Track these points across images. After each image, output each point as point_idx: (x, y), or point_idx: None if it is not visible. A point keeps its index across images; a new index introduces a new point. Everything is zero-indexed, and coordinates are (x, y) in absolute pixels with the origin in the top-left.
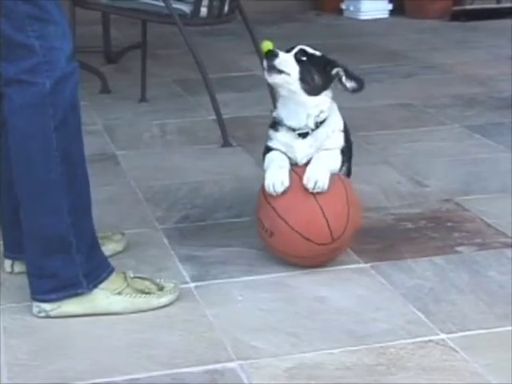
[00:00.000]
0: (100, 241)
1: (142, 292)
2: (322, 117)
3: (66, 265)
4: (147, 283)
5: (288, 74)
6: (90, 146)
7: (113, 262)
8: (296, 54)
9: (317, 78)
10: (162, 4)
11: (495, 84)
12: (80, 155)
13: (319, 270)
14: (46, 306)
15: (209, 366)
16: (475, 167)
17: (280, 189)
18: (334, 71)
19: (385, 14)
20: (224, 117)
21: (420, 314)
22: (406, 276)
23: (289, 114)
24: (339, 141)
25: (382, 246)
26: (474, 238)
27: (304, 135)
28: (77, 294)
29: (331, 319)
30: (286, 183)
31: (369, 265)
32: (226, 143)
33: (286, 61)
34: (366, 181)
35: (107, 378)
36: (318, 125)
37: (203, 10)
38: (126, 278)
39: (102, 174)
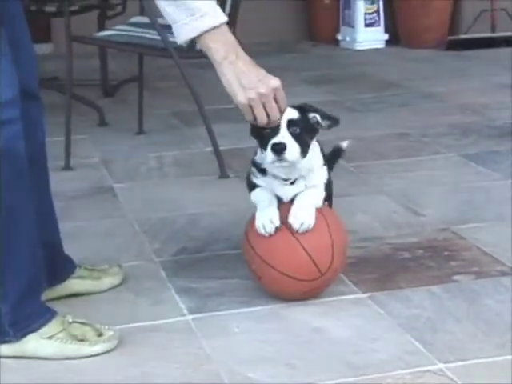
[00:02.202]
0: (97, 274)
1: (76, 338)
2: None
3: None
4: (86, 329)
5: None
6: (87, 178)
7: (110, 295)
8: (289, 128)
9: (307, 141)
10: (158, 38)
11: (490, 112)
12: (17, 203)
13: (316, 300)
14: None
15: None
16: (471, 195)
17: (272, 229)
18: (312, 118)
19: (381, 44)
20: (221, 148)
21: (417, 343)
22: (403, 306)
23: (278, 172)
24: (323, 176)
25: (379, 276)
26: (470, 267)
27: (292, 182)
28: (4, 342)
29: (328, 350)
30: (277, 223)
31: (366, 295)
32: (223, 175)
33: (292, 149)
34: (362, 210)
35: None
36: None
37: None
38: (63, 323)
39: (99, 207)
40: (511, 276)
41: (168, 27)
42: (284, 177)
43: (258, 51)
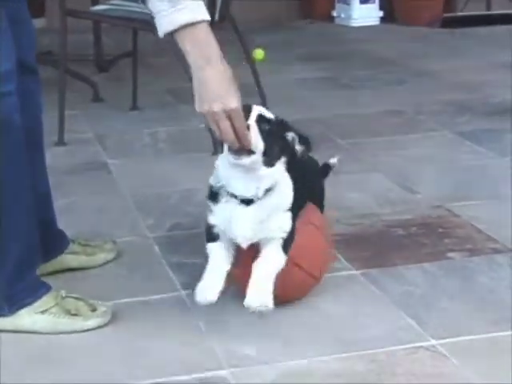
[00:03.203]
0: (91, 250)
1: (69, 313)
2: (273, 184)
3: None
4: (80, 304)
5: (256, 154)
6: (81, 154)
7: (104, 270)
8: (258, 123)
9: (277, 150)
10: None
11: (486, 90)
12: (13, 180)
13: None
14: None
15: (200, 374)
16: (466, 173)
17: (207, 301)
18: (289, 136)
19: (376, 21)
20: None
21: (411, 320)
22: (396, 282)
23: (236, 183)
24: (286, 224)
25: (372, 253)
26: (464, 244)
27: (247, 202)
28: None
29: (322, 326)
30: (215, 296)
31: (359, 272)
32: (216, 151)
33: (256, 136)
34: (356, 188)
35: None
36: (266, 192)
37: None
38: (56, 297)
39: (93, 183)
40: (505, 253)
41: None
42: (240, 190)
43: (253, 28)
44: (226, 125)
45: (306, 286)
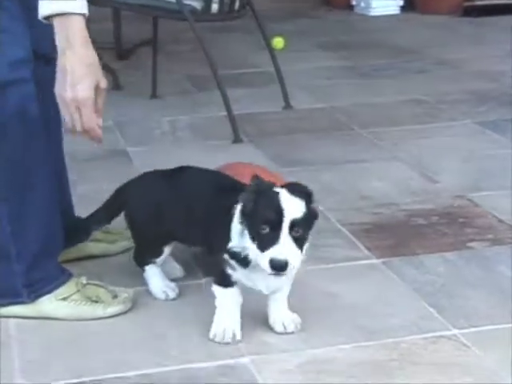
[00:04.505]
0: (112, 237)
1: (90, 300)
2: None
3: (4, 274)
4: (101, 291)
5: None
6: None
7: (125, 257)
8: (292, 233)
9: (308, 235)
10: (173, 0)
11: (507, 80)
12: (33, 164)
13: (330, 266)
14: None
15: (220, 362)
16: (487, 163)
17: (230, 340)
18: (313, 208)
19: (396, 10)
20: (235, 113)
21: (432, 309)
22: (417, 272)
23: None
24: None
25: (393, 242)
26: (485, 234)
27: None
28: (17, 303)
29: (343, 315)
30: (238, 336)
31: (380, 260)
32: (236, 139)
33: (294, 261)
34: (377, 177)
35: (119, 373)
36: None
37: (214, 6)
38: (77, 284)
39: (112, 170)
40: None
41: None
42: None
43: (273, 16)
44: (74, 115)
45: None
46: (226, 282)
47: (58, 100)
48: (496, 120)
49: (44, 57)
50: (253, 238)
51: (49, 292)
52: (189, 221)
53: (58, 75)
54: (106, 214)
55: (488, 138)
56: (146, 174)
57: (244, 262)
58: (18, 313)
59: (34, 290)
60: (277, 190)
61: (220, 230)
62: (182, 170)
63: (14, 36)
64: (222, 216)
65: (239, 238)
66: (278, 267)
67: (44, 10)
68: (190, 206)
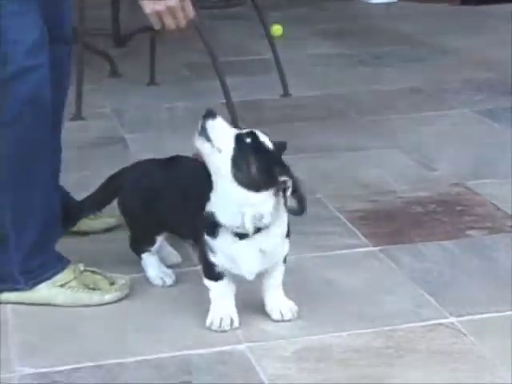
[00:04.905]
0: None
1: (88, 287)
2: (264, 222)
3: (2, 261)
4: (98, 278)
5: (217, 148)
6: (99, 129)
7: (122, 244)
8: (241, 134)
9: (254, 171)
10: None
11: (505, 69)
12: (39, 153)
13: (328, 253)
14: None
15: (218, 348)
16: (485, 151)
17: (228, 328)
18: (282, 178)
19: None
20: (234, 100)
21: (429, 297)
22: (415, 259)
23: (220, 206)
24: (285, 249)
25: (391, 230)
26: (483, 222)
27: (241, 236)
28: (14, 289)
29: (340, 302)
30: (236, 323)
31: (378, 248)
32: (235, 127)
33: (222, 130)
34: (375, 164)
35: (118, 359)
36: (259, 230)
37: None
38: (74, 271)
39: (110, 157)
40: None
41: None
42: (226, 221)
43: (272, 3)
44: (180, 15)
45: None
46: (213, 274)
47: (150, 12)
48: (495, 108)
49: (62, 38)
50: None
51: (47, 279)
52: (181, 211)
53: None
54: (97, 201)
55: (486, 127)
56: (139, 163)
57: (212, 229)
58: (16, 299)
59: (32, 277)
60: None
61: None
62: (176, 159)
63: (29, 19)
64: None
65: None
66: (206, 114)
67: None
68: (183, 197)
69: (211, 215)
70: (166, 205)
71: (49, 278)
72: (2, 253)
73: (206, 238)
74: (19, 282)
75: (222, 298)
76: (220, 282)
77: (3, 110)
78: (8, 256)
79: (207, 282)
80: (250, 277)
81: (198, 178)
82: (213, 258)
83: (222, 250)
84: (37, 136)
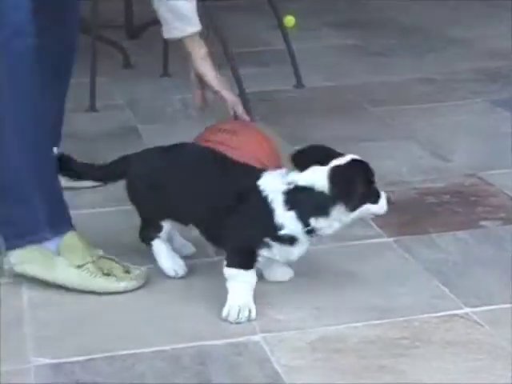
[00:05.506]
0: None
1: (102, 272)
2: None
3: (27, 215)
4: (114, 265)
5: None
6: (112, 120)
7: (134, 237)
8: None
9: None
10: None
11: None
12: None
13: (342, 244)
14: (12, 258)
15: (233, 339)
16: (499, 142)
17: (246, 319)
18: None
19: None
20: (246, 91)
21: (444, 288)
22: (429, 250)
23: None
24: None
25: (405, 221)
26: (498, 213)
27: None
28: (40, 241)
29: (354, 293)
30: (254, 315)
31: (392, 239)
32: (250, 117)
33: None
34: (388, 155)
35: (132, 350)
36: None
37: None
38: (93, 255)
39: (123, 148)
40: None
41: None
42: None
43: None
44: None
45: None
46: (249, 263)
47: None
48: (507, 98)
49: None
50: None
51: (68, 230)
52: (186, 198)
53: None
54: (102, 173)
55: (500, 117)
56: (149, 149)
57: (292, 241)
58: (35, 273)
59: (55, 226)
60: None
61: (238, 217)
62: (183, 146)
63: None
64: (236, 203)
65: (295, 223)
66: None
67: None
68: (189, 183)
69: (288, 235)
70: (172, 189)
71: (68, 230)
72: (27, 206)
73: (266, 241)
74: (45, 231)
75: (244, 287)
76: (252, 271)
77: None
78: (34, 208)
79: (233, 271)
80: (295, 260)
81: (204, 163)
82: (265, 253)
83: (282, 247)
84: (13, 109)
